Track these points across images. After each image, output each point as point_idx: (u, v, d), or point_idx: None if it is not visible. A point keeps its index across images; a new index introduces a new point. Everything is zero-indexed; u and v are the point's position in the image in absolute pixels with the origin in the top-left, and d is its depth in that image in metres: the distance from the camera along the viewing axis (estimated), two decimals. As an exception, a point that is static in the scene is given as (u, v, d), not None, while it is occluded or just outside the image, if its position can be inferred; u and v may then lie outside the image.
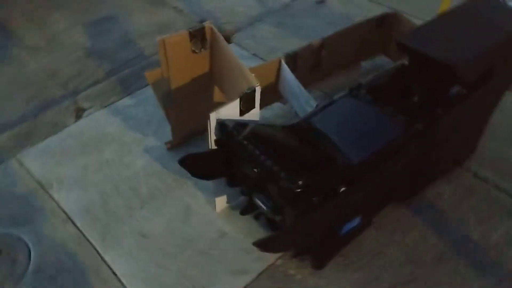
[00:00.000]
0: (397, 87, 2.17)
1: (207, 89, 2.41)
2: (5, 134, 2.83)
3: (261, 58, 3.26)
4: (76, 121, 2.91)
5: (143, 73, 2.43)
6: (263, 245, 1.67)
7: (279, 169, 1.67)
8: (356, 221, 2.06)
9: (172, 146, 2.59)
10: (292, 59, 2.59)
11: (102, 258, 2.17)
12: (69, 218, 2.34)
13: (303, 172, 1.70)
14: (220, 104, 1.87)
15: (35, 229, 2.31)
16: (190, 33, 2.13)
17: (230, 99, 1.89)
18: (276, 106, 2.76)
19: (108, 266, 2.14)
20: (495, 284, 2.01)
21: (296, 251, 2.00)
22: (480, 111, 2.26)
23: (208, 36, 2.20)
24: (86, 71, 3.33)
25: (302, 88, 2.41)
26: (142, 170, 2.54)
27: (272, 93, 2.64)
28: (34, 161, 2.64)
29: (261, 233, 2.17)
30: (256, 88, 1.89)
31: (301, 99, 2.43)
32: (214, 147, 1.95)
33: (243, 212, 2.16)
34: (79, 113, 2.96)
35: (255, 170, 1.76)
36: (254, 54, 3.33)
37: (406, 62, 2.21)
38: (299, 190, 1.65)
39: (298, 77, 2.51)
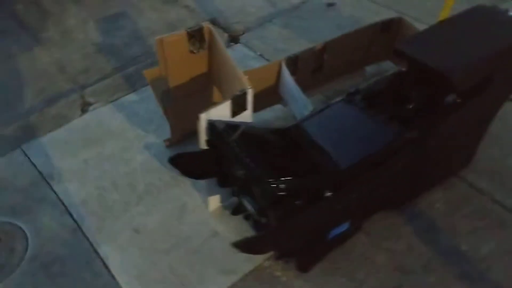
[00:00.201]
0: (394, 93, 2.16)
1: (206, 89, 2.44)
2: (12, 125, 2.92)
3: (267, 60, 3.28)
4: (81, 115, 2.97)
5: (148, 70, 2.48)
6: (242, 246, 1.70)
7: (262, 172, 1.69)
8: (344, 227, 2.07)
9: (171, 143, 2.63)
10: (293, 62, 2.60)
11: (95, 251, 2.23)
12: (67, 210, 2.40)
13: (287, 176, 1.71)
14: (214, 105, 1.90)
15: (34, 219, 2.38)
16: (188, 33, 2.16)
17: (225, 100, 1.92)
18: (278, 108, 2.77)
19: (101, 259, 2.20)
20: (482, 296, 2.01)
21: (279, 253, 2.02)
22: (477, 120, 2.24)
23: (206, 37, 2.22)
24: (95, 66, 3.39)
25: (300, 91, 2.42)
26: (140, 166, 2.59)
27: (273, 95, 2.65)
28: (38, 153, 2.71)
29: (251, 234, 2.19)
30: (248, 90, 1.91)
31: (299, 102, 2.44)
32: (205, 147, 1.97)
33: (234, 212, 2.19)
34: (84, 108, 3.03)
35: (241, 172, 1.78)
36: (261, 55, 3.35)
37: (404, 68, 2.21)
38: (281, 193, 1.67)
39: (299, 80, 2.53)
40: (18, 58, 3.50)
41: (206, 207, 2.35)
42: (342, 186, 1.81)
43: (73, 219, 2.36)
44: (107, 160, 2.65)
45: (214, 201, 2.31)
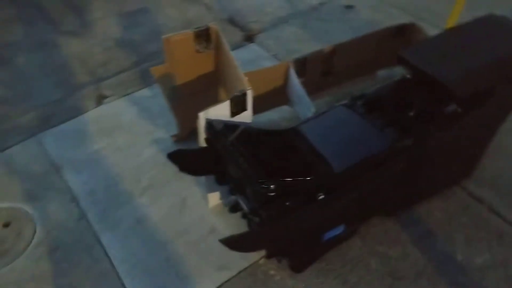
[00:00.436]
0: (396, 100, 2.16)
1: (212, 88, 2.49)
2: (30, 114, 3.03)
3: (280, 60, 3.30)
4: (96, 107, 3.07)
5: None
6: (229, 243, 1.74)
7: (254, 173, 1.73)
8: (339, 229, 2.09)
9: (178, 139, 2.70)
10: (301, 64, 2.62)
11: (98, 239, 2.31)
12: (75, 198, 2.50)
13: (278, 177, 1.75)
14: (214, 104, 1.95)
15: (43, 206, 2.48)
16: (194, 33, 2.21)
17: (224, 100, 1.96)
18: (285, 109, 2.79)
19: (102, 247, 2.28)
20: (473, 308, 2.00)
21: (269, 252, 2.06)
22: (480, 131, 2.22)
23: (213, 37, 2.27)
24: (113, 60, 3.49)
25: (305, 93, 2.44)
26: (147, 160, 2.67)
27: (280, 96, 2.68)
28: (52, 142, 2.82)
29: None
30: (248, 91, 1.95)
31: (304, 104, 2.47)
32: (204, 145, 2.03)
33: (231, 210, 2.23)
34: (100, 100, 3.12)
35: (235, 172, 1.83)
36: (274, 56, 3.39)
37: (408, 75, 2.21)
38: (272, 193, 1.71)
39: (307, 81, 2.55)
40: (40, 49, 3.63)
41: (207, 203, 2.40)
42: (335, 189, 1.83)
43: (80, 207, 2.45)
44: (116, 152, 2.73)
45: (214, 198, 2.36)
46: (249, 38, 3.58)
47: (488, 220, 2.25)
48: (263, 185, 1.70)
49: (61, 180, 2.60)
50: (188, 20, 3.81)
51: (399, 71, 3.08)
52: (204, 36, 2.24)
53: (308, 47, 3.18)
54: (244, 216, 2.19)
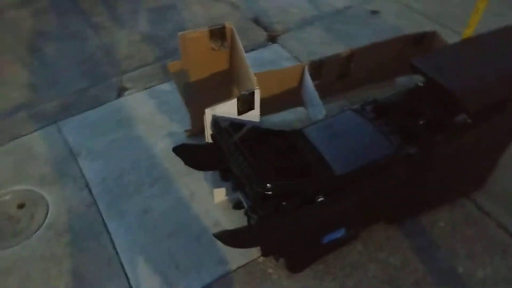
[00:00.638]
0: (406, 107, 2.15)
1: (225, 86, 2.52)
2: (53, 102, 3.15)
3: (301, 62, 3.31)
4: (116, 98, 3.15)
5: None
6: (222, 237, 1.77)
7: (252, 172, 1.75)
8: (340, 233, 2.10)
9: (191, 134, 2.75)
10: (317, 66, 2.63)
11: (105, 226, 2.38)
12: (87, 185, 2.58)
13: (276, 178, 1.76)
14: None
15: (57, 191, 2.57)
16: (210, 31, 2.25)
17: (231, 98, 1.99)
18: (299, 110, 2.81)
19: (109, 233, 2.35)
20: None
21: (263, 250, 2.08)
22: (491, 144, 2.18)
23: (228, 35, 2.31)
24: (138, 54, 3.58)
25: (317, 96, 2.45)
26: (160, 152, 2.73)
27: (295, 97, 2.70)
28: (71, 130, 2.92)
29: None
30: (256, 91, 1.98)
31: (316, 107, 2.48)
32: (210, 141, 2.06)
33: (235, 207, 2.26)
34: (121, 92, 3.21)
35: (236, 169, 1.86)
36: (295, 57, 3.40)
37: (421, 83, 2.19)
38: (268, 193, 1.73)
39: (322, 85, 2.56)
40: (70, 39, 3.75)
41: (213, 198, 2.44)
42: (334, 192, 1.84)
43: (91, 193, 2.53)
44: (132, 142, 2.81)
45: (220, 194, 2.40)
46: (273, 38, 3.60)
47: (493, 234, 2.21)
48: (260, 184, 1.72)
49: (77, 167, 2.69)
50: (213, 17, 3.86)
51: (418, 79, 3.07)
52: (219, 34, 2.28)
53: (330, 50, 3.17)
54: (246, 213, 2.22)
